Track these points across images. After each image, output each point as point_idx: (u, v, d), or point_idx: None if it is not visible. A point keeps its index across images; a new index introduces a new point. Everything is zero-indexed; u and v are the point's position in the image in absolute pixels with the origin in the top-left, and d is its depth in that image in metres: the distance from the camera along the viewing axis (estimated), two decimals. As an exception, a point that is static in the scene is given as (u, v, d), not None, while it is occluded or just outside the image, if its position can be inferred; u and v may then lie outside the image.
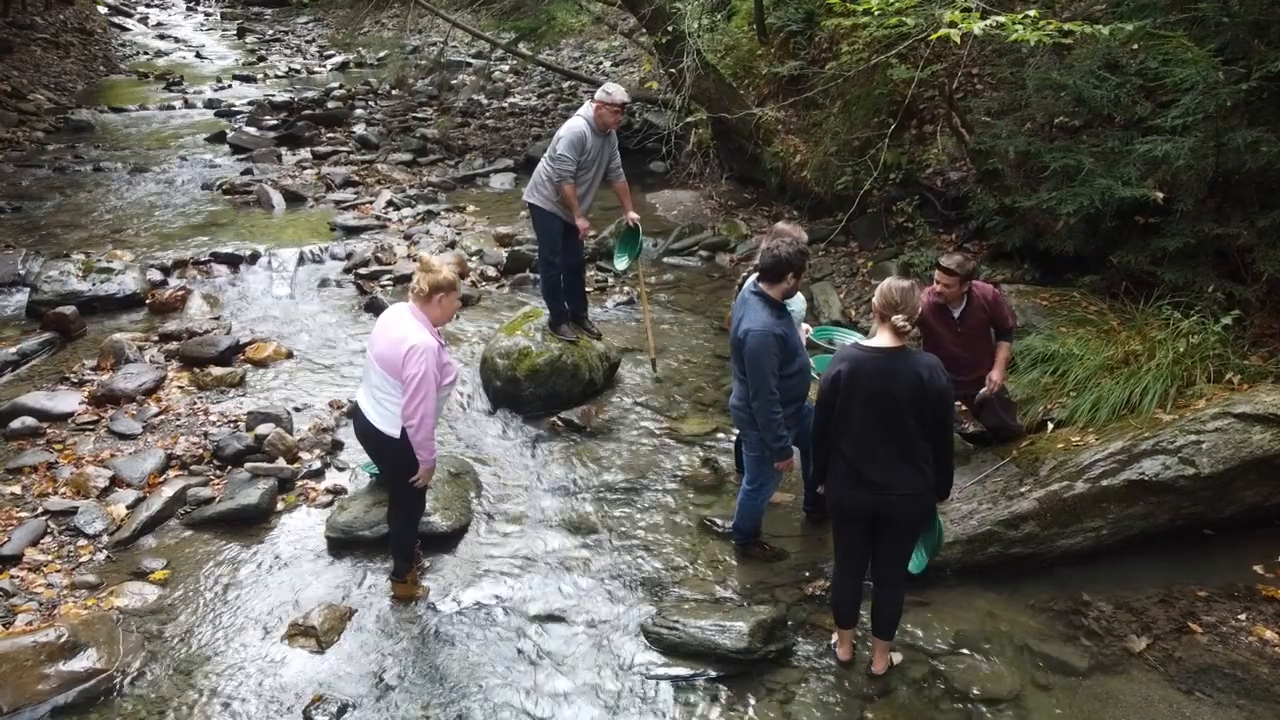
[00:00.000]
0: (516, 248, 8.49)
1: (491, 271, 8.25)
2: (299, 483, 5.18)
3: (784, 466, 4.27)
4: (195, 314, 7.22)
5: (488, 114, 14.10)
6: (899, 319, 3.47)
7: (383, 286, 7.87)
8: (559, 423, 5.82)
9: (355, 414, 4.15)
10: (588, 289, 8.02)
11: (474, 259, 8.45)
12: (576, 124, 5.63)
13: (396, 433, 3.92)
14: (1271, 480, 4.36)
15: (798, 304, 4.71)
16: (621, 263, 6.62)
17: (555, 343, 6.05)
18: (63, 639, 3.90)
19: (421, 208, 9.87)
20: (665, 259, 8.86)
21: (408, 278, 7.84)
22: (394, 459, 4.01)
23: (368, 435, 4.05)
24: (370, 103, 14.90)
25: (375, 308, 7.31)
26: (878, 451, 3.53)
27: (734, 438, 5.35)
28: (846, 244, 8.33)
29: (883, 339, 3.52)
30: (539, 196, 5.83)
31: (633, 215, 6.10)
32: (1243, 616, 4.11)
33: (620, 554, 4.69)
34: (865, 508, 3.61)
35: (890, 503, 3.56)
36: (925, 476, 3.55)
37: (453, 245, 8.73)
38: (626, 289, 8.12)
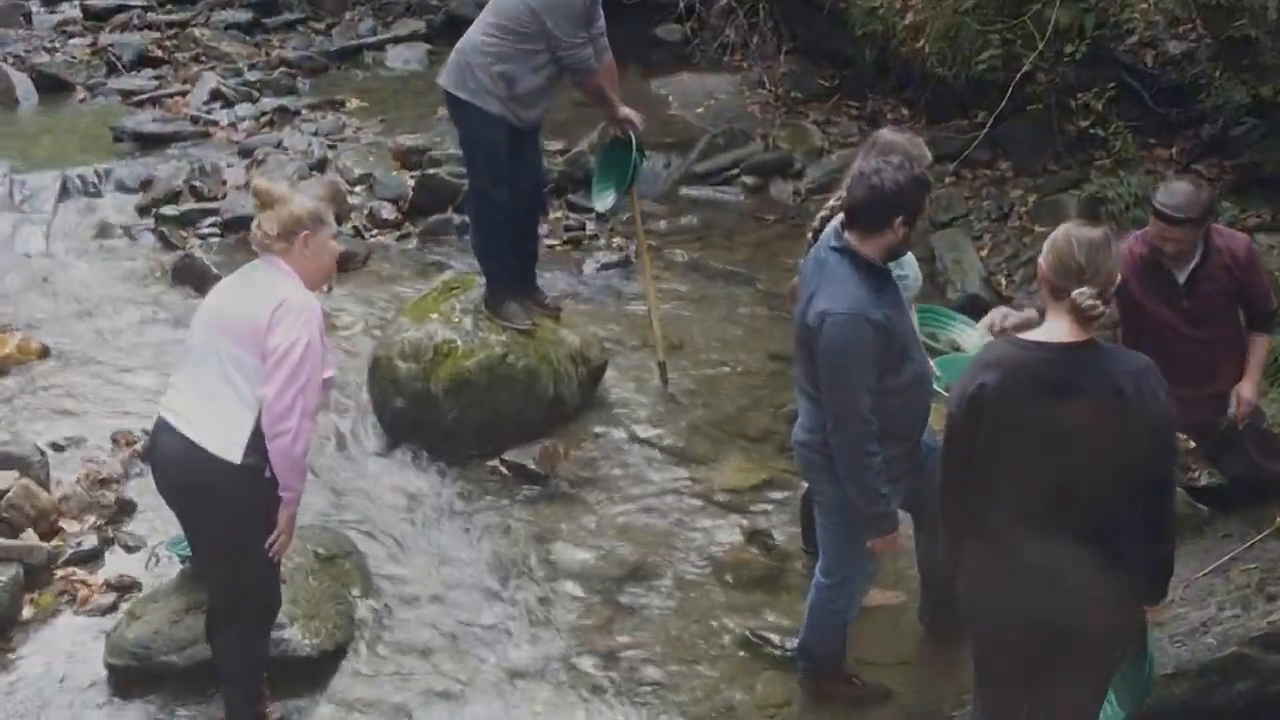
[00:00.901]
0: (431, 170, 8.47)
1: (388, 212, 8.23)
2: (60, 572, 5.16)
3: (884, 546, 4.25)
4: (-116, 284, 7.21)
5: (382, -57, 14.11)
6: (1084, 295, 3.43)
7: (203, 236, 7.85)
8: (503, 470, 5.81)
9: (157, 438, 4.14)
10: (552, 241, 8.04)
11: (358, 189, 8.44)
12: None
13: (237, 455, 3.93)
14: None
15: (910, 270, 4.69)
16: (604, 198, 6.59)
17: (497, 333, 6.05)
18: None
19: (270, 103, 9.85)
20: (684, 189, 8.81)
21: (246, 221, 7.70)
22: (229, 510, 4.01)
23: (181, 471, 4.04)
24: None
25: (191, 274, 7.30)
26: (1047, 521, 3.50)
27: (800, 495, 5.32)
28: (992, 165, 8.29)
29: (1056, 328, 3.49)
30: (471, 88, 5.80)
31: (625, 113, 6.08)
32: None
33: (612, 696, 4.67)
34: (1026, 618, 3.58)
35: (1068, 610, 3.53)
36: (1126, 565, 3.53)
37: (323, 167, 8.71)
38: (617, 242, 8.09)
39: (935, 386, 4.45)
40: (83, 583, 5.12)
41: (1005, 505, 3.55)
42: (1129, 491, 3.48)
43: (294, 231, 3.99)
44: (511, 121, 5.81)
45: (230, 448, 3.94)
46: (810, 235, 4.52)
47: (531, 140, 6.08)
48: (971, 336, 5.52)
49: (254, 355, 3.92)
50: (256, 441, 3.93)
